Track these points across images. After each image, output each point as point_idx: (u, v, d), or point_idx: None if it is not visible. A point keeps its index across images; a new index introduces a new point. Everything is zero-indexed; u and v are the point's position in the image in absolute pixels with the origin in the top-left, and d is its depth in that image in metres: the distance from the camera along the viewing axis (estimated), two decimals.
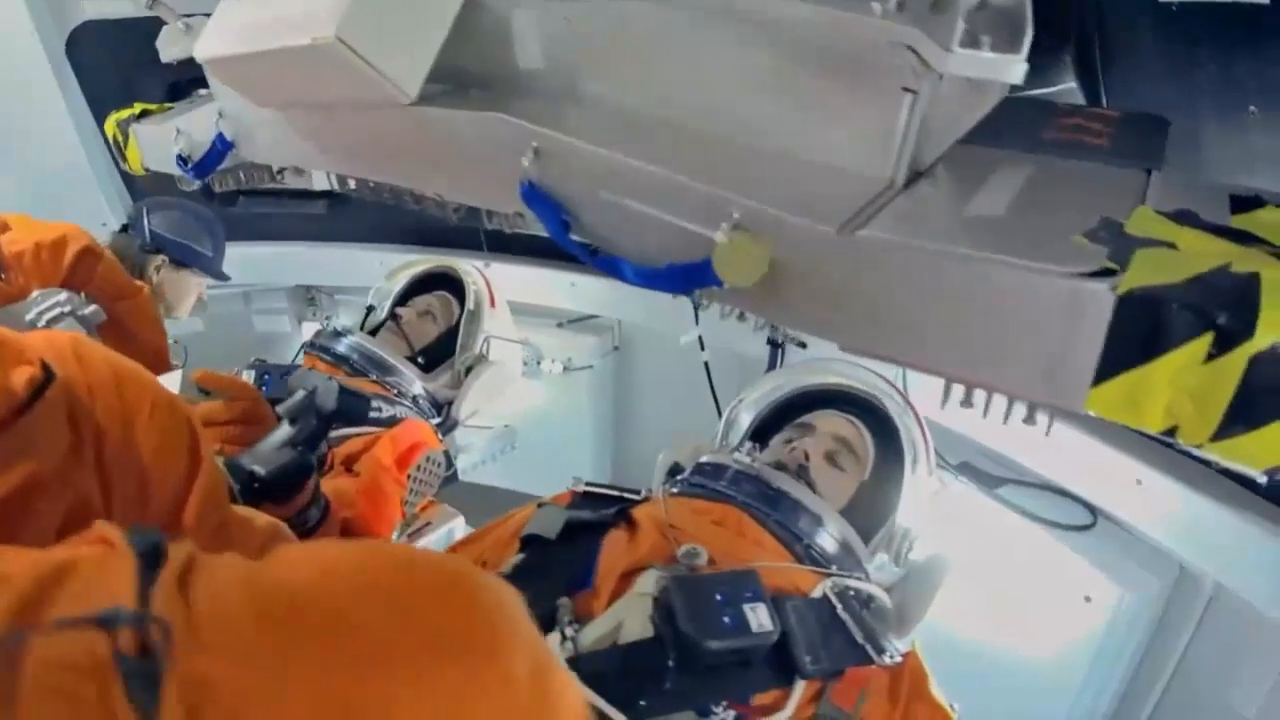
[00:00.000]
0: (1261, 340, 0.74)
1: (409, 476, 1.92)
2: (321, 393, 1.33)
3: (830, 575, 1.41)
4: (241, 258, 2.66)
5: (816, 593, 1.36)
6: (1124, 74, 1.32)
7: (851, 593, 1.41)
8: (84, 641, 0.40)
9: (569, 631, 1.21)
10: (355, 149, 1.39)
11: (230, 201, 2.70)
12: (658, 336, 2.51)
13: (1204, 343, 0.77)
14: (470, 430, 2.39)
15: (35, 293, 1.30)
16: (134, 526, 0.50)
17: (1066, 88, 1.38)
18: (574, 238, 1.17)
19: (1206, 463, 1.62)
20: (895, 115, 0.99)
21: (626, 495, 1.54)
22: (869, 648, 1.29)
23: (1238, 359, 0.75)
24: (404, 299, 2.38)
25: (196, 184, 1.80)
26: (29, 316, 1.28)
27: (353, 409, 1.38)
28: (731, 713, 1.15)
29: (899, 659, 1.31)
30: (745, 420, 1.90)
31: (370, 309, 2.34)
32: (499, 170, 1.21)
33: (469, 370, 2.20)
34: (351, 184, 1.56)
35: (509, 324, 2.35)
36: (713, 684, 1.17)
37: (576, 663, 1.16)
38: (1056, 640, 1.81)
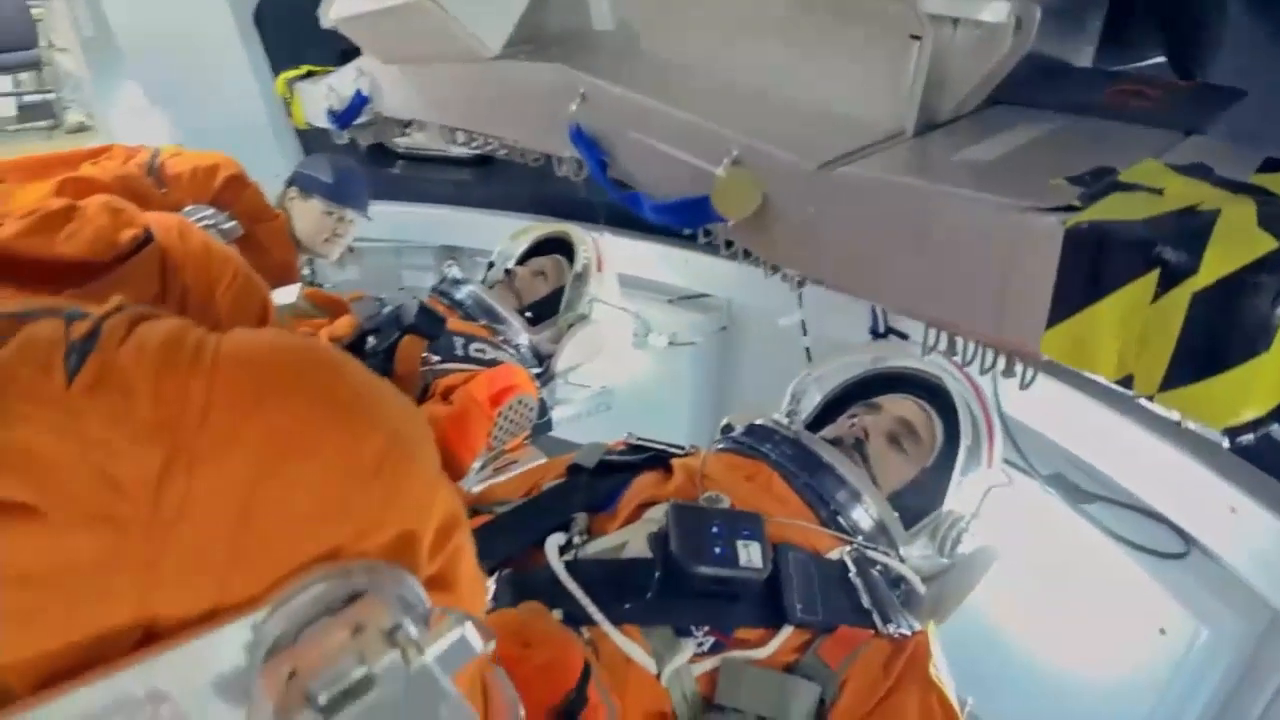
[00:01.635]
0: (1205, 276, 0.70)
1: (499, 414, 2.09)
2: (404, 309, 1.51)
3: (852, 543, 1.41)
4: (395, 215, 2.99)
5: (833, 555, 1.37)
6: (1217, 47, 1.23)
7: (878, 567, 1.41)
8: (52, 325, 0.59)
9: (576, 540, 1.31)
10: (450, 100, 1.57)
11: (389, 164, 3.05)
12: (765, 320, 2.53)
13: (1150, 281, 0.74)
14: (572, 387, 2.54)
15: (188, 207, 1.58)
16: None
17: (1156, 63, 1.31)
18: (610, 176, 1.26)
19: None
20: (903, 63, 1.01)
21: (671, 449, 1.61)
22: (874, 614, 1.28)
23: (1180, 297, 0.72)
24: (524, 259, 2.58)
25: (344, 136, 2.07)
26: None
27: (428, 325, 1.56)
28: (711, 639, 1.20)
29: (906, 634, 1.29)
30: (816, 395, 1.91)
31: (491, 265, 2.56)
32: (558, 117, 1.33)
33: (570, 327, 2.36)
34: (460, 137, 1.74)
35: (615, 290, 2.49)
36: (695, 607, 1.22)
37: (575, 566, 1.25)
38: (1125, 668, 1.68)
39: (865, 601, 1.30)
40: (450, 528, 0.69)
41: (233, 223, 1.61)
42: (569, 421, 2.42)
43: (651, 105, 1.15)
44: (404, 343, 1.52)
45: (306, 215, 2.49)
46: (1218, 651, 1.57)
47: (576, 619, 1.17)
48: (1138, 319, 0.76)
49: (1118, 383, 0.80)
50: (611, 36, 1.40)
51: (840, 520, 1.46)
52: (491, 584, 1.27)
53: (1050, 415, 1.87)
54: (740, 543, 1.25)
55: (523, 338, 2.36)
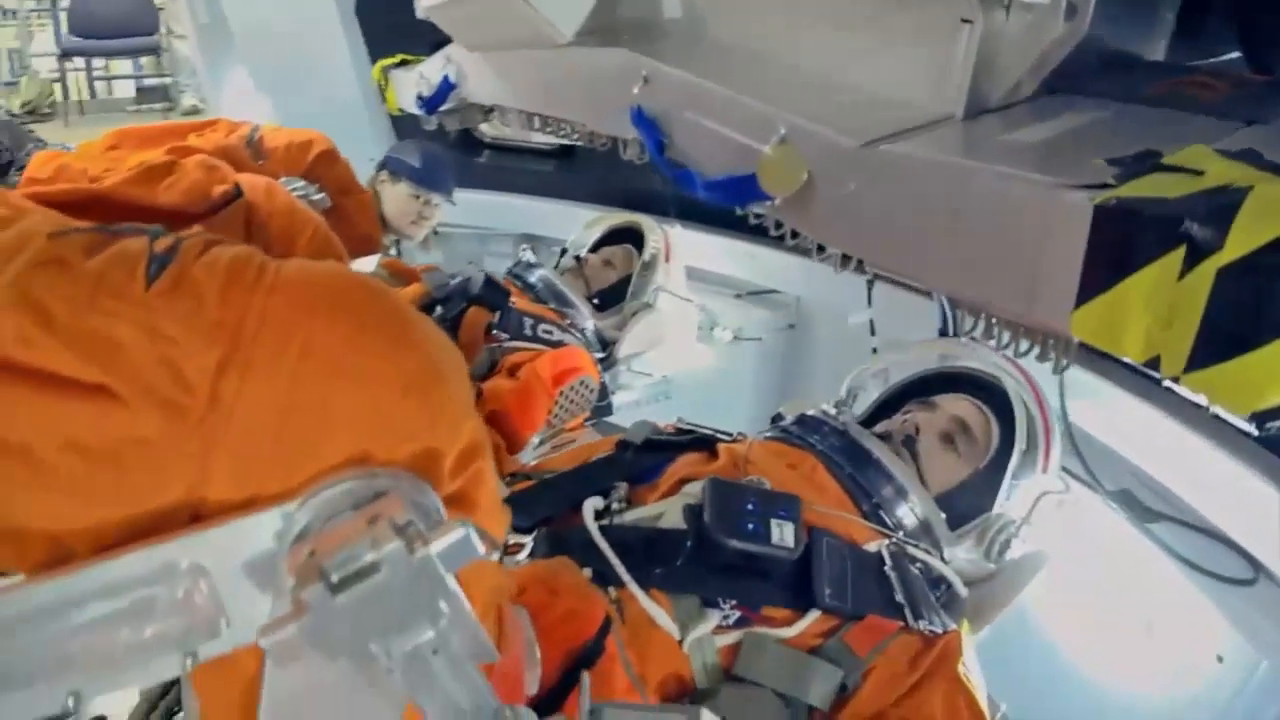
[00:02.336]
0: (1231, 252, 0.69)
1: (560, 393, 2.15)
2: (471, 281, 1.60)
3: (891, 537, 1.40)
4: (480, 203, 3.11)
5: (870, 548, 1.37)
6: None
7: (918, 565, 1.40)
8: (140, 240, 0.67)
9: (615, 506, 1.35)
10: (527, 85, 1.65)
11: (477, 153, 3.19)
12: (833, 319, 2.52)
13: (1176, 257, 0.74)
14: (634, 374, 2.59)
15: (282, 178, 1.71)
16: None
17: (1231, 58, 1.27)
18: (667, 156, 1.31)
19: None
20: (954, 47, 1.02)
21: (719, 434, 1.64)
22: (906, 608, 1.28)
23: (1205, 274, 0.71)
24: (596, 248, 2.66)
25: (433, 121, 2.18)
26: None
27: (493, 297, 1.64)
28: (736, 613, 1.22)
29: (937, 631, 1.28)
30: (875, 390, 1.90)
31: (563, 251, 2.65)
32: (623, 100, 1.39)
33: (634, 315, 2.42)
34: (536, 123, 1.81)
35: (682, 282, 2.53)
36: (724, 580, 1.24)
37: (610, 530, 1.29)
38: (1178, 693, 1.62)
39: (898, 595, 1.29)
40: (473, 453, 0.74)
41: (321, 194, 1.74)
42: (628, 408, 2.46)
43: (707, 86, 1.19)
44: (470, 313, 1.62)
45: (394, 198, 2.63)
46: (1277, 684, 1.49)
47: (606, 579, 1.21)
48: (1164, 297, 0.75)
49: (1145, 364, 0.80)
50: (679, 24, 1.45)
51: (882, 514, 1.45)
52: (530, 540, 1.33)
53: (1120, 429, 1.81)
54: (774, 521, 1.27)
55: (588, 323, 2.43)
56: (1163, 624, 1.67)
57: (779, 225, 1.24)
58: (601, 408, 2.35)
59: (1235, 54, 1.26)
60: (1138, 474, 1.81)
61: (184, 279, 0.64)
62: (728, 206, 1.20)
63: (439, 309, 1.63)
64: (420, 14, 1.97)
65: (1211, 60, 1.29)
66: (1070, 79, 1.11)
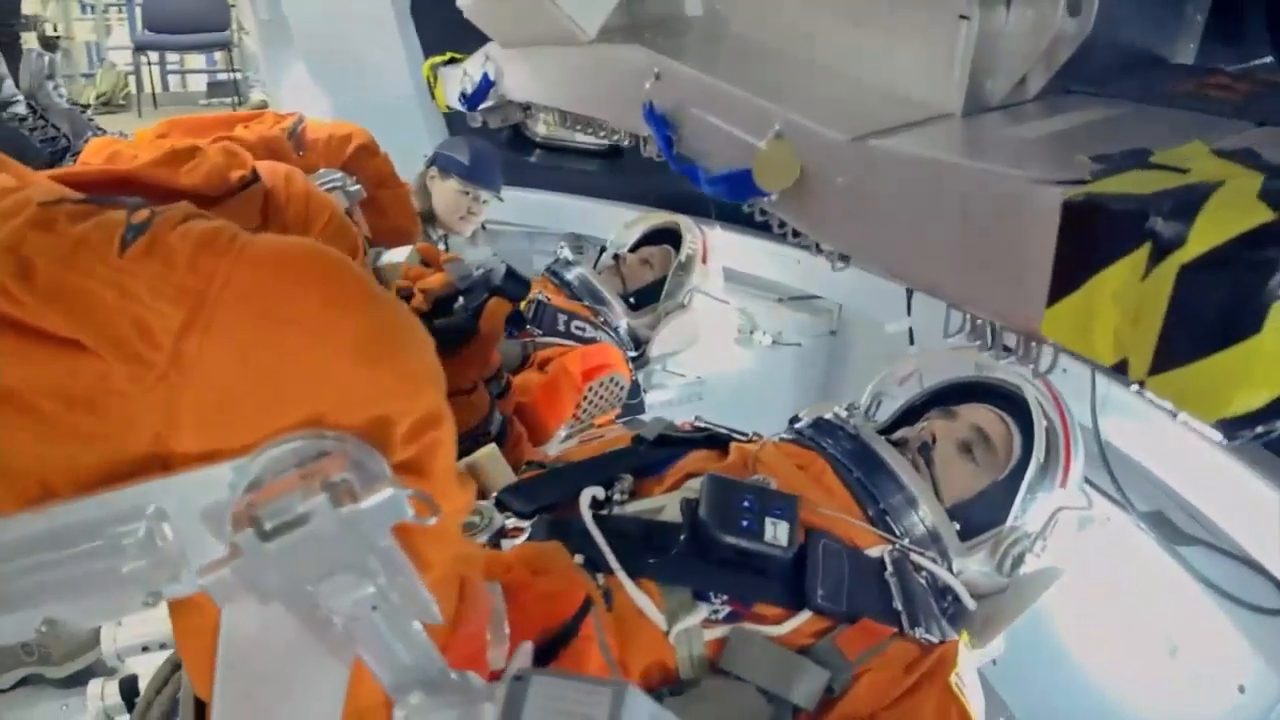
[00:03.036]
0: (1193, 248, 0.67)
1: (589, 388, 2.20)
2: (493, 272, 1.66)
3: (893, 542, 1.38)
4: (528, 202, 3.18)
5: (873, 553, 1.35)
6: None
7: (923, 573, 1.38)
8: (117, 216, 0.72)
9: (617, 497, 1.37)
10: (554, 82, 1.69)
11: (527, 152, 3.27)
12: (875, 328, 2.50)
13: (1142, 255, 0.71)
14: (667, 375, 2.62)
15: (321, 170, 1.79)
16: None
17: (1263, 63, 1.22)
18: (676, 152, 1.32)
19: None
20: (952, 43, 1.01)
21: (735, 434, 1.64)
22: (904, 616, 1.26)
23: (1168, 271, 0.69)
24: (636, 248, 2.69)
25: (478, 118, 2.24)
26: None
27: (514, 288, 1.69)
28: (727, 608, 1.22)
29: (933, 639, 1.26)
30: (901, 395, 1.87)
31: (602, 250, 2.69)
32: (638, 96, 1.41)
33: (668, 315, 2.44)
34: (566, 120, 1.85)
35: (718, 284, 2.54)
36: (717, 574, 1.24)
37: (608, 520, 1.31)
38: None
39: (897, 603, 1.28)
40: (430, 424, 0.77)
41: (357, 187, 1.82)
42: (661, 407, 2.49)
43: (710, 82, 1.20)
44: (491, 303, 1.67)
45: (444, 193, 2.71)
46: None
47: (597, 566, 1.23)
48: (1131, 297, 0.73)
49: (1114, 366, 0.78)
50: (700, 21, 1.46)
51: (889, 520, 1.44)
52: (528, 526, 1.35)
53: (1156, 450, 1.75)
54: (769, 519, 1.27)
55: (622, 321, 2.47)
56: (1187, 649, 1.60)
57: (782, 224, 1.24)
58: (633, 406, 2.38)
59: (1269, 58, 1.21)
60: (1171, 495, 1.74)
61: (157, 244, 0.69)
62: (731, 203, 1.21)
63: (461, 299, 1.69)
64: (468, 14, 2.03)
65: (1246, 65, 1.23)
66: (1089, 79, 1.09)
